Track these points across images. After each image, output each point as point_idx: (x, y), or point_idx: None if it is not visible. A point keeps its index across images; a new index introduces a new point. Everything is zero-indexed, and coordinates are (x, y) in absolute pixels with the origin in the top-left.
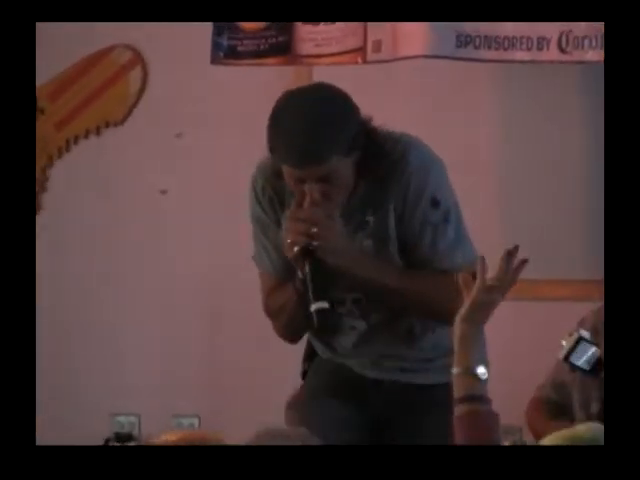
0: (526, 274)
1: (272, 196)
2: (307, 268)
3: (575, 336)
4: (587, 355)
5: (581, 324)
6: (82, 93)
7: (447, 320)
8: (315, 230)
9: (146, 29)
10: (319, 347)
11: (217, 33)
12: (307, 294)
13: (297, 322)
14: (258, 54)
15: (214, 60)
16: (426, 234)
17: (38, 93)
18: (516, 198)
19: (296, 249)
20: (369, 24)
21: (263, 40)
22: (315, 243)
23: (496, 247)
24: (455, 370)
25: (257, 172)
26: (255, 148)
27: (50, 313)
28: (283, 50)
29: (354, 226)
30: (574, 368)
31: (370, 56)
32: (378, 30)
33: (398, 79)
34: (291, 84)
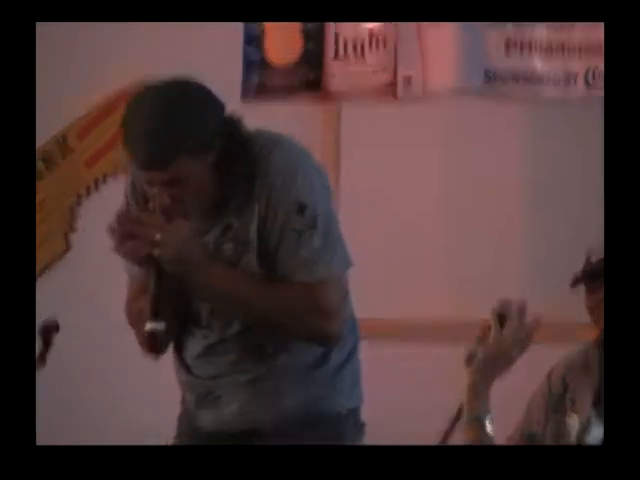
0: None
1: (142, 194)
2: (151, 279)
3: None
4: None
5: (549, 377)
6: (110, 131)
7: (304, 338)
8: (158, 237)
9: (176, 66)
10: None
11: (247, 70)
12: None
13: None
14: (289, 90)
15: (245, 97)
16: (288, 240)
17: (67, 132)
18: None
19: (137, 256)
20: (399, 60)
21: (293, 76)
22: (157, 251)
23: (516, 287)
24: (464, 417)
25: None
26: None
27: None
28: (313, 86)
29: (220, 229)
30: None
31: (400, 92)
32: (408, 66)
33: (427, 114)
34: (320, 120)
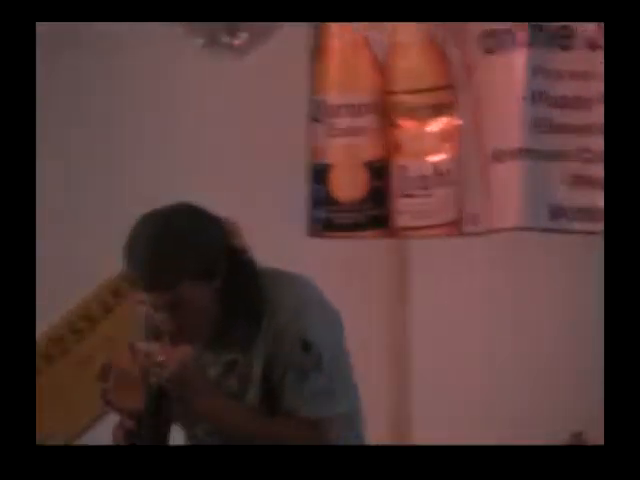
0: None
1: (153, 326)
2: (147, 400)
3: None
4: None
5: None
6: None
7: None
8: (160, 358)
9: (243, 199)
10: None
11: (314, 205)
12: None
13: None
14: (355, 227)
15: (311, 232)
16: (292, 378)
17: None
18: None
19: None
20: (465, 197)
21: (360, 213)
22: (158, 370)
23: None
24: None
25: None
26: (351, 320)
27: None
28: (380, 222)
29: (223, 364)
30: None
31: (465, 228)
32: (474, 203)
33: (492, 250)
34: (386, 255)
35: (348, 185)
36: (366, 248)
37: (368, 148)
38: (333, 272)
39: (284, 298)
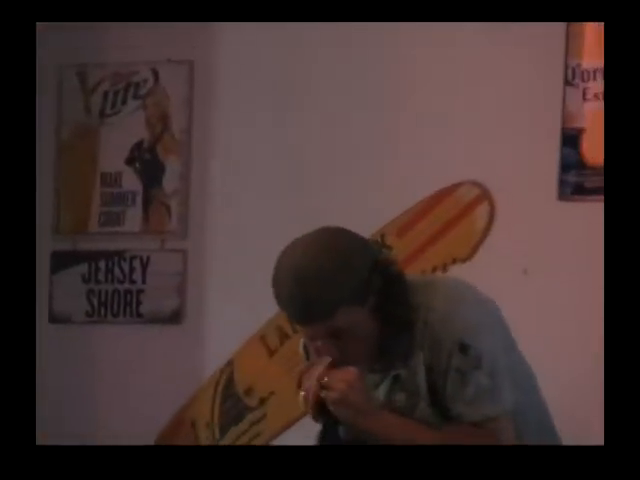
0: None
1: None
2: (321, 424)
3: None
4: None
5: None
6: (429, 230)
7: None
8: (325, 380)
9: (492, 165)
10: None
11: (564, 170)
12: None
13: None
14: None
15: (561, 197)
16: (452, 381)
17: (386, 230)
18: None
19: (306, 401)
20: None
21: None
22: (324, 392)
23: None
24: None
25: None
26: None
27: None
28: None
29: (389, 380)
30: None
31: None
32: None
33: None
34: None
35: (599, 149)
36: None
37: None
38: (582, 237)
39: (437, 301)
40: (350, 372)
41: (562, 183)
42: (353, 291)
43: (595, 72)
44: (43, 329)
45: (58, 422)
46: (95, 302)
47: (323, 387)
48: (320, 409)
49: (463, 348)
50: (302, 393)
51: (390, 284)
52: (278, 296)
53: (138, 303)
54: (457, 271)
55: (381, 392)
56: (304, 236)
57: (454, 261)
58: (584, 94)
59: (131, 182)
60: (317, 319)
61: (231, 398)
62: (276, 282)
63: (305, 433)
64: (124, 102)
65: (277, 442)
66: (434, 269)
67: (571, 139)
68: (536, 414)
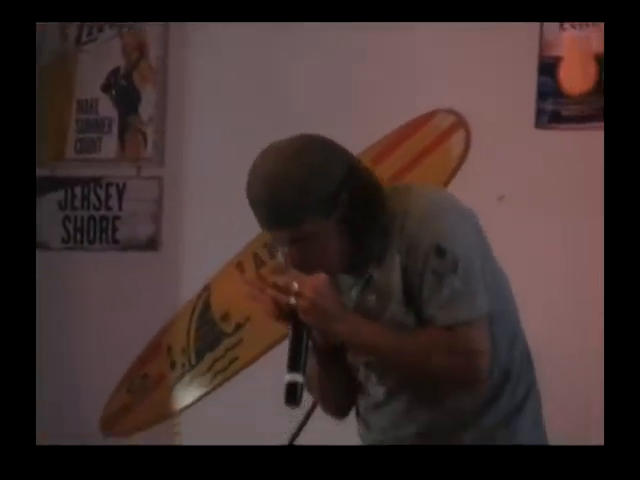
0: None
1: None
2: (290, 331)
3: None
4: None
5: None
6: (405, 158)
7: (451, 382)
8: (295, 286)
9: (468, 94)
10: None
11: (541, 98)
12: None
13: (328, 396)
14: (582, 119)
15: (538, 125)
16: (428, 284)
17: (361, 158)
18: None
19: (276, 308)
20: None
21: (587, 105)
22: (293, 300)
23: None
24: None
25: None
26: (580, 213)
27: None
28: None
29: (363, 282)
30: None
31: None
32: None
33: None
34: None
35: (577, 78)
36: (591, 140)
37: (598, 40)
38: (557, 166)
39: (414, 206)
40: (319, 278)
41: (539, 111)
42: (321, 201)
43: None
44: None
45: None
46: (71, 229)
47: (292, 294)
48: (289, 314)
49: (440, 251)
50: (269, 295)
51: (364, 194)
52: (249, 200)
53: (114, 230)
54: None
55: (354, 293)
56: (281, 141)
57: None
58: (561, 23)
59: (107, 109)
60: (284, 225)
61: (207, 324)
62: (248, 186)
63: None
64: (100, 30)
65: (253, 368)
66: None
67: (548, 67)
68: (510, 325)
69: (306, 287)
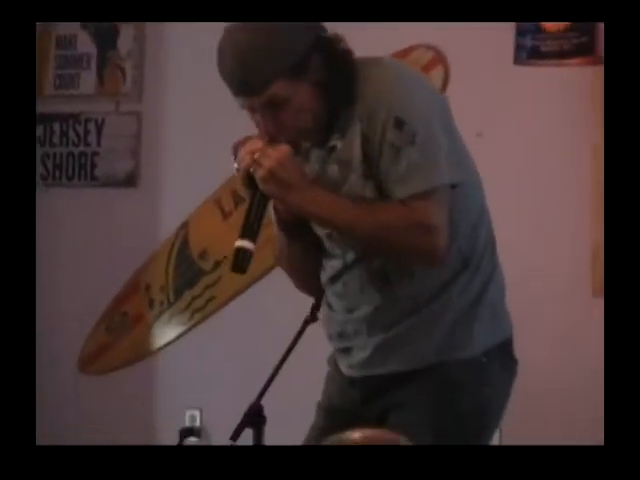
0: None
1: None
2: (248, 198)
3: None
4: None
5: None
6: None
7: (408, 258)
8: (256, 156)
9: (448, 30)
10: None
11: (520, 34)
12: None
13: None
14: (561, 55)
15: (517, 61)
16: (386, 156)
17: None
18: None
19: (238, 174)
20: None
21: (566, 41)
22: (252, 169)
23: None
24: None
25: None
26: (554, 148)
27: None
28: (586, 51)
29: (325, 151)
30: None
31: None
32: None
33: None
34: (592, 85)
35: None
36: (571, 75)
37: None
38: (536, 102)
39: (374, 73)
40: (281, 149)
41: (518, 47)
42: (290, 64)
43: None
44: None
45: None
46: (50, 165)
47: (254, 162)
48: (249, 183)
49: (398, 123)
50: (235, 165)
51: (334, 60)
52: (220, 72)
53: (93, 166)
54: None
55: (317, 164)
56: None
57: None
58: None
59: (86, 45)
60: (253, 91)
61: (186, 261)
62: (218, 54)
63: None
64: None
65: (231, 306)
66: None
67: None
68: (473, 208)
69: (266, 157)
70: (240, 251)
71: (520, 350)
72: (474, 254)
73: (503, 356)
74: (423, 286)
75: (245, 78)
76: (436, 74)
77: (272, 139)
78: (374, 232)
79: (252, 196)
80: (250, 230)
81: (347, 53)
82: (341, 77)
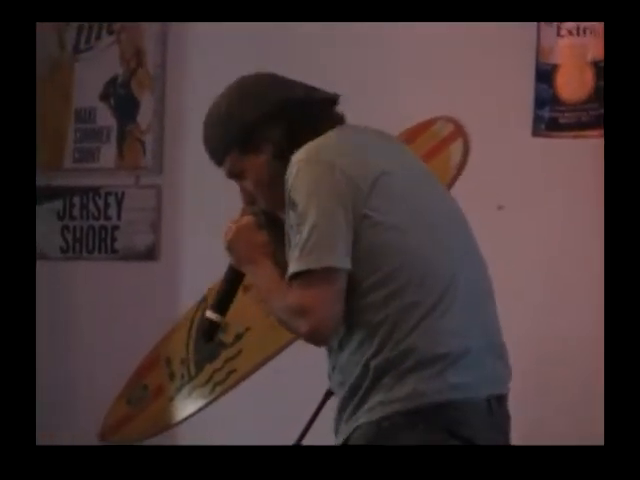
0: None
1: None
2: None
3: None
4: None
5: None
6: None
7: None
8: (229, 224)
9: (466, 101)
10: None
11: (538, 106)
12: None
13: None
14: (580, 126)
15: (535, 132)
16: (289, 236)
17: None
18: None
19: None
20: None
21: (585, 112)
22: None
23: None
24: None
25: None
26: (579, 220)
27: None
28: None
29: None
30: None
31: None
32: None
33: None
34: None
35: (574, 85)
36: (589, 147)
37: (595, 47)
38: (556, 173)
39: (292, 161)
40: (242, 220)
41: (536, 119)
42: (238, 139)
43: None
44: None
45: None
46: (70, 238)
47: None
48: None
49: (293, 204)
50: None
51: (292, 132)
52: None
53: (113, 239)
54: None
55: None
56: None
57: None
58: (558, 30)
59: (105, 118)
60: (217, 162)
61: None
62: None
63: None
64: (98, 37)
65: (253, 379)
66: None
67: (545, 75)
68: (374, 311)
69: (229, 229)
70: (209, 323)
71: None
72: (363, 379)
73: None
74: (347, 362)
75: (208, 149)
76: (456, 146)
77: (248, 203)
78: (275, 311)
79: (228, 269)
80: (220, 304)
81: (312, 121)
82: (294, 150)
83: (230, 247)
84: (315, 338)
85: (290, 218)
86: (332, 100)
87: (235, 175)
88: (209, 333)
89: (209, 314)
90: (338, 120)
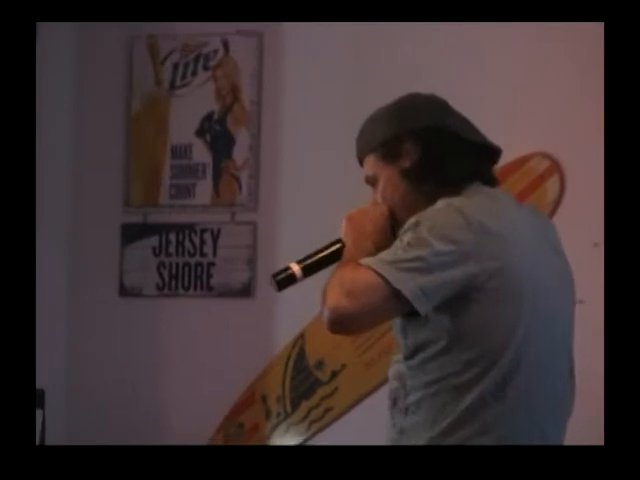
0: None
1: None
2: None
3: None
4: None
5: None
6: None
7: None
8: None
9: (563, 137)
10: None
11: None
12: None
13: None
14: None
15: None
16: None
17: None
18: None
19: None
20: None
21: None
22: None
23: None
24: None
25: None
26: None
27: None
28: None
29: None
30: None
31: None
32: None
33: None
34: None
35: None
36: None
37: None
38: None
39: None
40: (383, 206)
41: None
42: (382, 143)
43: None
44: (114, 303)
45: (123, 396)
46: (166, 275)
47: None
48: None
49: (416, 222)
50: None
51: (437, 156)
52: None
53: (209, 276)
54: None
55: None
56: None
57: None
58: None
59: (201, 154)
60: (359, 157)
61: (302, 372)
62: None
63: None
64: (194, 73)
65: (348, 417)
66: None
67: None
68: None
69: (363, 208)
70: (287, 271)
71: None
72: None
73: None
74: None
75: (357, 143)
76: (552, 183)
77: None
78: (335, 275)
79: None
80: (307, 264)
81: (454, 157)
82: (437, 179)
83: (351, 218)
84: (336, 317)
85: (405, 234)
86: (490, 153)
87: (370, 180)
88: (282, 283)
89: (293, 265)
90: (488, 180)
